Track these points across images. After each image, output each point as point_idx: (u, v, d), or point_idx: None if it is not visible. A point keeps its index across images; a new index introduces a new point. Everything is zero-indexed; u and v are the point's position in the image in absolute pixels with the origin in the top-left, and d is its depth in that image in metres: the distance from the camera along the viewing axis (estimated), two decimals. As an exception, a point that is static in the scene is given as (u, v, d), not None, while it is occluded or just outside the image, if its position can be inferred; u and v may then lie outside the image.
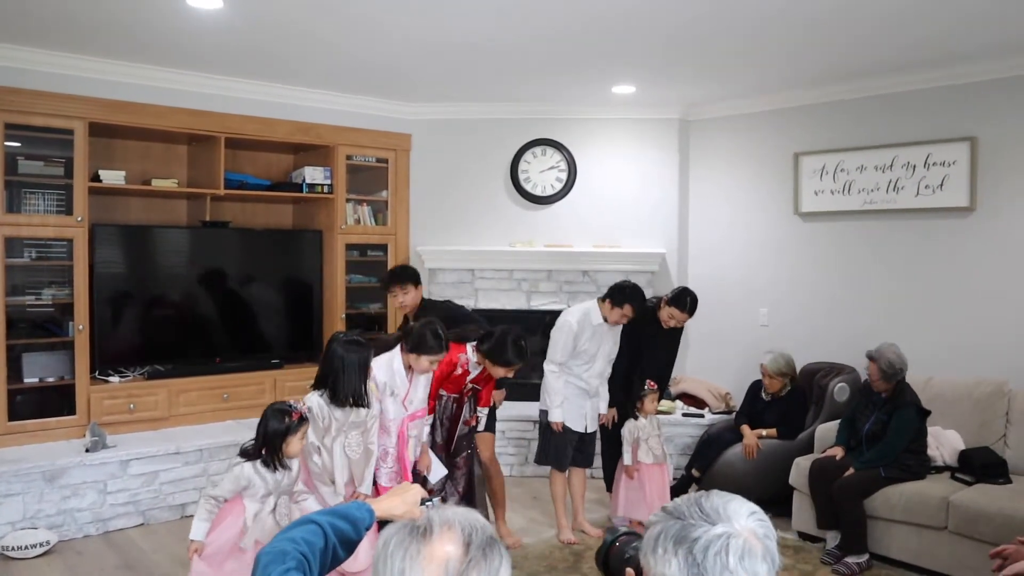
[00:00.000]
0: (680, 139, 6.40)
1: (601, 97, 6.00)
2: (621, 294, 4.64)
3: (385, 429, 3.73)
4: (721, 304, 6.31)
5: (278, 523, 3.24)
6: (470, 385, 4.22)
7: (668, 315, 4.95)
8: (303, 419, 3.24)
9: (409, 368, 3.77)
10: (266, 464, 3.21)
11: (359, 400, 3.48)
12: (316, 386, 3.53)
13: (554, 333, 4.65)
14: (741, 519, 1.24)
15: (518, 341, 4.01)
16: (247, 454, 3.25)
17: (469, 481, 4.29)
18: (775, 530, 1.29)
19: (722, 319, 6.31)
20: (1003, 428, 4.56)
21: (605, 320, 4.64)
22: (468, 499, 4.25)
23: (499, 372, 4.10)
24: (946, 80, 5.04)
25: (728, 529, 1.22)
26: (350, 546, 1.67)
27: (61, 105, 4.81)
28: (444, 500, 3.96)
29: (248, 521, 3.20)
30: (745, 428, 5.19)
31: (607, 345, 4.72)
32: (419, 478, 3.89)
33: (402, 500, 1.85)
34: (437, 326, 3.76)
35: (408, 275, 4.81)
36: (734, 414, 5.55)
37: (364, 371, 3.48)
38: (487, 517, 4.37)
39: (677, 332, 5.23)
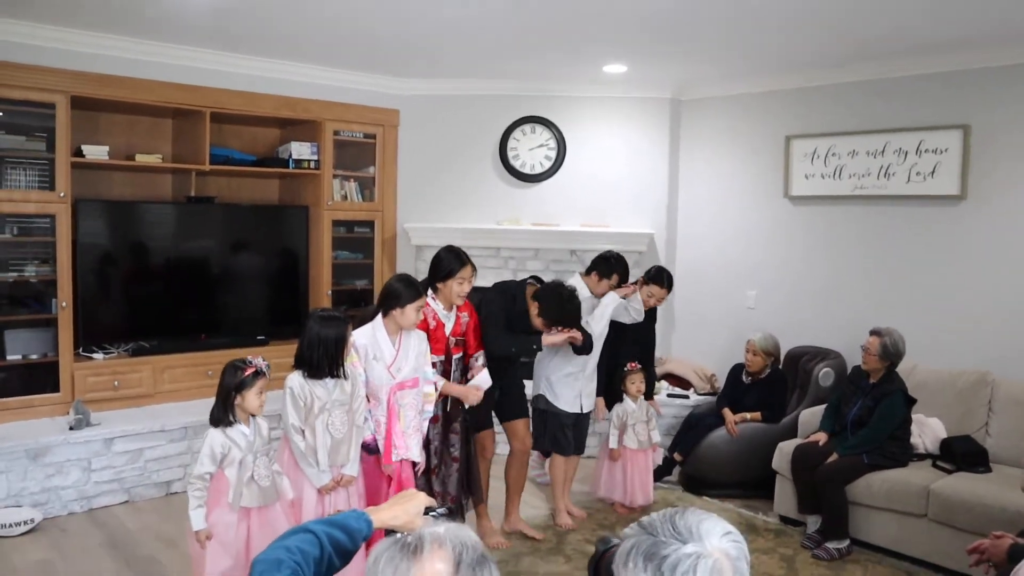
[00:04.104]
0: (671, 119, 6.35)
1: (592, 75, 5.94)
2: (607, 265, 4.63)
3: (375, 396, 3.67)
4: (709, 286, 6.32)
5: (259, 484, 3.26)
6: (453, 339, 4.09)
7: (648, 294, 4.92)
8: (258, 373, 3.24)
9: (396, 332, 3.71)
10: (224, 422, 3.23)
11: (335, 370, 3.45)
12: (296, 365, 3.50)
13: None
14: (714, 539, 1.24)
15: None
16: (214, 419, 3.27)
17: (466, 449, 4.17)
18: (753, 530, 1.29)
19: (709, 301, 6.32)
20: (985, 417, 4.60)
21: (592, 294, 4.62)
22: (466, 468, 4.17)
23: (455, 290, 3.94)
24: (940, 67, 5.00)
25: (699, 549, 1.22)
26: (346, 555, 1.65)
27: (42, 78, 4.71)
28: (451, 511, 3.87)
29: (232, 489, 3.21)
30: (726, 411, 5.23)
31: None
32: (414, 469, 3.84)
33: (404, 510, 1.77)
34: (406, 275, 3.74)
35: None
36: (717, 397, 5.59)
37: (340, 344, 3.44)
38: (485, 490, 4.37)
39: (652, 312, 5.21)
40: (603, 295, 4.68)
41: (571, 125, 6.36)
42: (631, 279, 5.00)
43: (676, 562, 1.21)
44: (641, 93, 6.28)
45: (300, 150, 5.89)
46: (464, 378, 4.17)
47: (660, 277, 4.95)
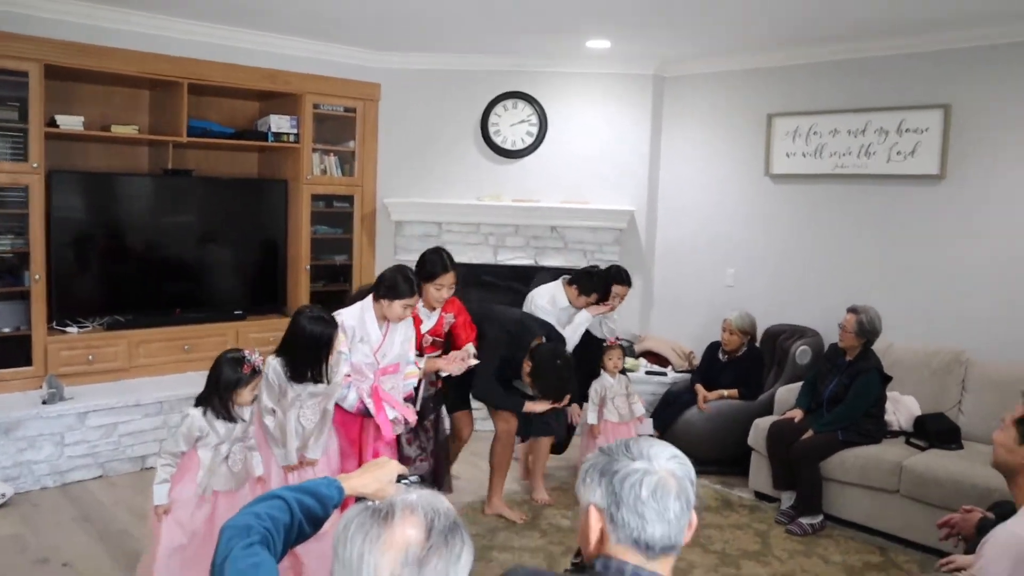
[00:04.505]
0: (654, 96, 6.32)
1: (575, 51, 5.89)
2: (589, 282, 4.59)
3: (360, 372, 3.62)
4: (688, 263, 6.33)
5: (231, 470, 3.22)
6: (430, 338, 4.06)
7: (613, 294, 4.98)
8: (255, 371, 3.18)
9: (383, 319, 3.65)
10: (217, 414, 3.16)
11: (318, 377, 3.39)
12: (278, 353, 3.43)
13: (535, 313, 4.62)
14: (661, 460, 1.43)
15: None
16: (201, 402, 3.20)
17: (436, 445, 4.19)
18: (696, 476, 1.48)
19: (689, 278, 6.32)
20: (959, 395, 4.64)
21: (570, 304, 4.61)
22: (436, 465, 4.19)
23: (432, 294, 3.88)
24: (923, 46, 4.99)
25: (646, 466, 1.41)
26: (317, 522, 1.64)
27: (15, 46, 4.60)
28: (423, 479, 3.84)
29: (202, 471, 3.17)
30: (698, 387, 5.28)
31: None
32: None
33: (375, 477, 1.77)
34: (407, 270, 3.65)
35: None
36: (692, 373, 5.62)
37: (327, 347, 3.36)
38: (451, 481, 4.39)
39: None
40: (581, 308, 4.66)
41: (553, 101, 6.32)
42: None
43: (625, 475, 1.41)
44: (624, 69, 6.24)
45: (279, 123, 5.82)
46: (438, 377, 4.13)
47: (620, 276, 5.03)
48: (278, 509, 1.56)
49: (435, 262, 3.88)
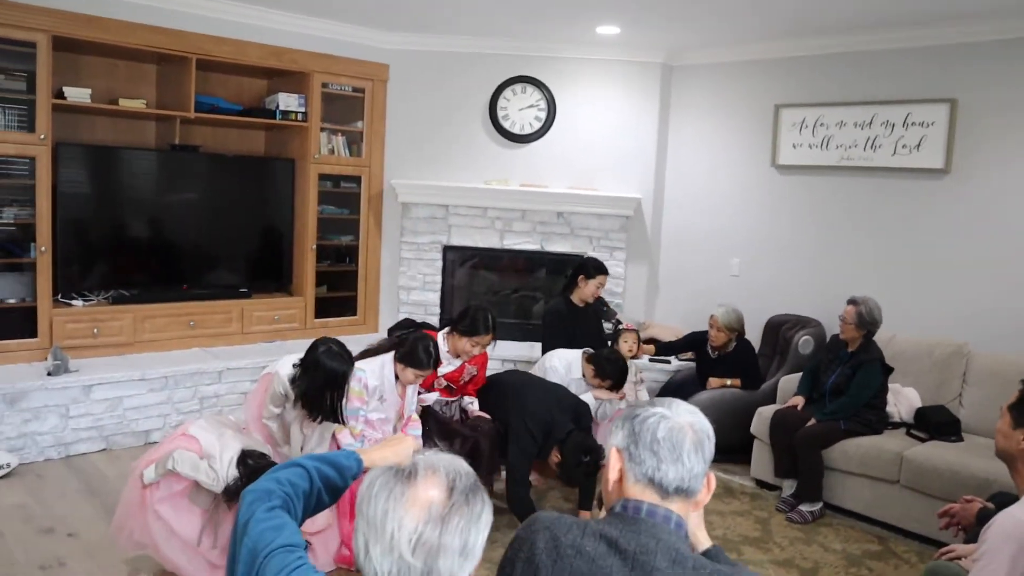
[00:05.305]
0: (662, 84, 6.31)
1: (585, 37, 5.89)
2: (609, 367, 4.52)
3: (370, 423, 3.72)
4: (693, 252, 6.34)
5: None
6: (444, 382, 4.12)
7: (597, 285, 5.03)
8: None
9: (397, 377, 3.73)
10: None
11: (332, 417, 3.41)
12: (293, 382, 3.42)
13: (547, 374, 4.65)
14: (682, 413, 1.55)
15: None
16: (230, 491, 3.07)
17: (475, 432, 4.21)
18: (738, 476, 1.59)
19: (694, 267, 6.34)
20: (959, 388, 4.66)
21: (584, 378, 4.63)
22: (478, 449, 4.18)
23: (466, 347, 4.01)
24: (930, 40, 5.00)
25: (666, 413, 1.53)
26: (336, 492, 1.68)
27: (24, 16, 4.59)
28: None
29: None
30: (651, 347, 5.52)
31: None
32: None
33: (394, 452, 1.80)
34: (430, 345, 3.69)
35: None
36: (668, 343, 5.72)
37: (341, 386, 3.38)
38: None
39: (598, 307, 5.27)
40: (592, 386, 4.63)
41: (562, 87, 6.31)
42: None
43: (645, 418, 1.53)
44: (633, 57, 6.23)
45: (288, 102, 5.81)
46: (455, 412, 4.25)
47: (601, 267, 5.06)
48: (298, 476, 1.60)
49: (479, 321, 4.01)
